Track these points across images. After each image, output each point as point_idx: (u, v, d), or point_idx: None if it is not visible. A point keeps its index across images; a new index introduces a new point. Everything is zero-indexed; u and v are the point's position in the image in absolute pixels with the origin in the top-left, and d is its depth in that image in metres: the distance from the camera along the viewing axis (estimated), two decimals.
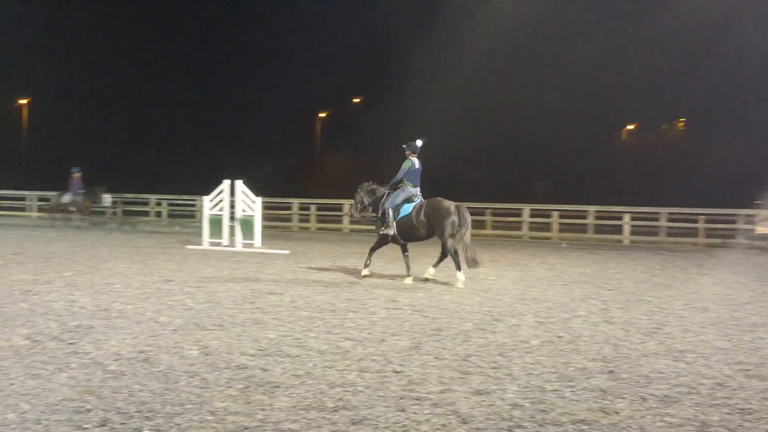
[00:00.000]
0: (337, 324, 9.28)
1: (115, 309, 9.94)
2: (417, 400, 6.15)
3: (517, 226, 29.00)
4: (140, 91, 63.47)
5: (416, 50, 52.08)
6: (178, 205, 33.62)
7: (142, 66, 63.55)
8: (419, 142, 14.23)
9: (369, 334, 8.70)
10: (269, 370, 6.95)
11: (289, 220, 31.96)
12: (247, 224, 20.01)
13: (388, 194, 14.18)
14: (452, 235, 13.33)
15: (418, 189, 14.03)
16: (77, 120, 63.77)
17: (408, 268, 13.94)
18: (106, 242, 21.25)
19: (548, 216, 28.53)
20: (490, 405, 6.07)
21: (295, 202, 32.23)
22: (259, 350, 7.73)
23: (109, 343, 7.86)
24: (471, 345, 8.21)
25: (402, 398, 6.19)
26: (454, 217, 13.32)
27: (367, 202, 14.55)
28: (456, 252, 13.41)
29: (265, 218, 23.44)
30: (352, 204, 15.10)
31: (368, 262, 14.20)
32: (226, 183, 20.32)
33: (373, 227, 15.28)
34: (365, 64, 59.21)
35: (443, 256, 13.66)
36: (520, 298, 12.02)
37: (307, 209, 32.00)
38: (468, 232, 13.42)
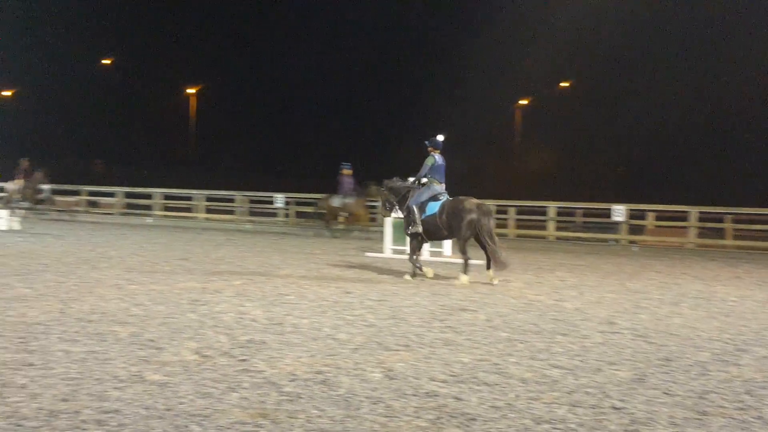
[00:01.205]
0: (542, 348, 9.19)
1: (289, 323, 10.32)
2: None
3: (766, 235, 27.57)
4: (314, 78, 65.68)
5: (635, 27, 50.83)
6: None
7: (319, 52, 65.81)
8: (441, 138, 15.78)
9: (581, 361, 8.54)
10: (463, 399, 6.97)
11: None
12: None
13: (412, 191, 15.78)
14: (468, 235, 14.77)
15: (444, 186, 15.56)
16: (249, 111, 66.85)
17: (417, 258, 15.67)
18: (278, 248, 22.13)
19: None
20: None
21: (491, 205, 31.99)
22: (451, 376, 7.77)
23: (284, 361, 8.16)
24: (709, 379, 7.88)
25: None
26: (473, 215, 14.64)
27: (394, 201, 16.40)
28: (465, 253, 14.80)
29: None
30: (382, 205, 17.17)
31: (417, 267, 15.60)
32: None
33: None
34: (576, 43, 58.38)
35: (487, 256, 14.94)
36: None
37: (504, 212, 31.87)
38: (491, 232, 14.83)
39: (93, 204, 37.86)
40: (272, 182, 36.92)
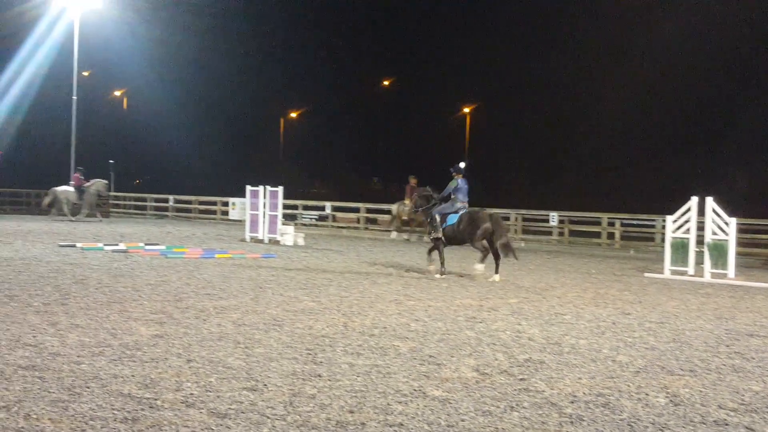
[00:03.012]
0: None
1: (567, 343, 10.21)
2: None
3: None
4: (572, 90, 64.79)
5: None
6: (633, 225, 33.57)
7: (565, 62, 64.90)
8: (462, 164, 18.82)
9: None
10: (756, 430, 6.61)
11: None
12: (718, 250, 19.29)
13: (438, 204, 18.83)
14: (481, 239, 17.81)
15: (466, 203, 18.59)
16: (522, 128, 66.98)
17: (442, 260, 18.33)
18: (552, 266, 21.95)
19: None
20: None
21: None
22: (742, 404, 7.38)
23: (563, 381, 8.07)
24: None
25: None
26: (488, 225, 17.79)
27: (419, 205, 19.52)
28: (483, 250, 17.86)
29: (739, 243, 22.40)
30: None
31: (430, 263, 18.50)
32: (694, 200, 19.83)
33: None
34: None
35: (496, 257, 17.85)
36: None
37: None
38: (504, 236, 18.16)
39: (372, 221, 39.10)
40: (547, 200, 36.49)
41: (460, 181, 18.60)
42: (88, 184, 37.75)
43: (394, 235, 32.50)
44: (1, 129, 60.05)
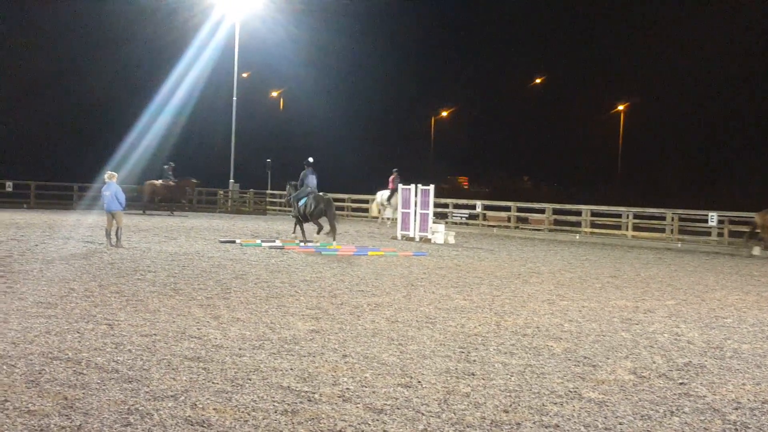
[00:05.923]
0: None
1: (729, 348, 9.84)
2: None
3: None
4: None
5: None
6: None
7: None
8: (311, 159, 24.79)
9: None
10: None
11: None
12: None
13: (295, 190, 24.77)
14: (318, 216, 23.68)
15: (313, 188, 24.39)
16: (681, 127, 65.08)
17: (303, 233, 24.41)
18: (710, 267, 21.19)
19: None
20: None
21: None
22: None
23: (726, 387, 7.78)
24: None
25: None
26: (322, 206, 23.47)
27: (290, 193, 25.36)
28: (320, 224, 24.07)
29: None
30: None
31: (294, 233, 25.12)
32: None
33: None
34: None
35: (320, 226, 24.05)
36: None
37: None
38: (333, 214, 23.71)
39: (523, 220, 38.74)
40: (705, 200, 35.23)
41: (308, 172, 24.55)
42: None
43: (756, 250, 26.84)
44: (167, 129, 62.51)
